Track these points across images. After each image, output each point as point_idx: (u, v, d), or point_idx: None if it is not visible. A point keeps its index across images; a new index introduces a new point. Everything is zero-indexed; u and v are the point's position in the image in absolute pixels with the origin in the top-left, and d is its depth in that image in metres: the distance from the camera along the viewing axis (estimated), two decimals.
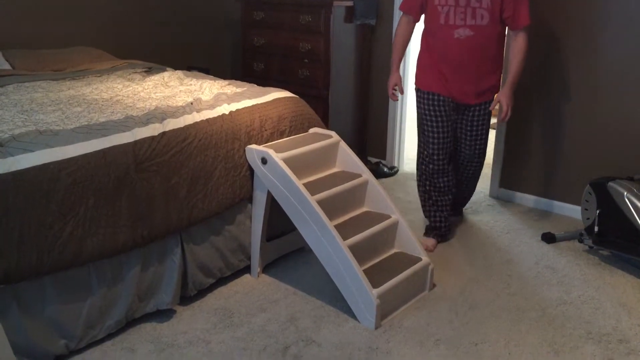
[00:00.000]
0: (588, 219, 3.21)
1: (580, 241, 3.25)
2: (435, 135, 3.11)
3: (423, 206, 3.34)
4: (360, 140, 4.53)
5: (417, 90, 3.13)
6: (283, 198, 2.71)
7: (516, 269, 3.06)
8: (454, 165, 3.29)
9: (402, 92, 3.26)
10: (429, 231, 3.33)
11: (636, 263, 3.04)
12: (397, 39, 3.13)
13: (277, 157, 2.69)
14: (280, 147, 2.81)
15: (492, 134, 3.56)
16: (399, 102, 4.37)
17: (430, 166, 3.17)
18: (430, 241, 3.27)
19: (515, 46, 2.98)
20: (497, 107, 3.11)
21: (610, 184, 3.08)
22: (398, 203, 3.76)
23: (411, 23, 3.10)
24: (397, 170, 4.45)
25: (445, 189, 3.23)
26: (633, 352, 2.42)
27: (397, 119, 4.41)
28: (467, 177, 3.39)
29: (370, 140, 4.58)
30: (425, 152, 3.18)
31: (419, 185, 3.32)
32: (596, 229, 3.12)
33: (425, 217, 3.35)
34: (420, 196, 3.33)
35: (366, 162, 4.05)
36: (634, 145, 3.39)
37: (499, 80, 3.11)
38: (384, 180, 4.25)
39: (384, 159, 4.52)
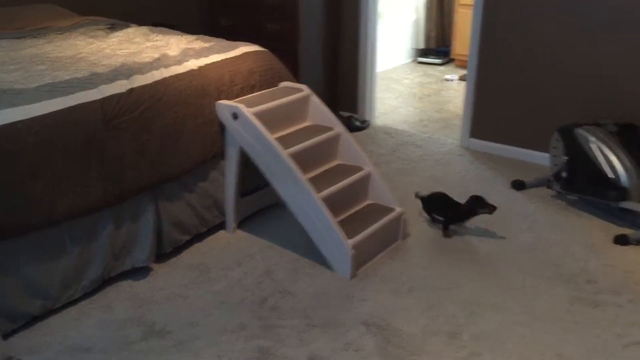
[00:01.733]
0: (556, 165, 3.28)
1: (549, 187, 3.32)
2: None
3: None
4: (332, 94, 4.50)
5: None
6: (255, 153, 2.70)
7: (487, 217, 3.10)
8: None
9: None
10: None
11: (602, 206, 3.13)
12: None
13: (248, 112, 2.67)
14: (251, 102, 2.78)
15: (461, 85, 3.55)
16: (369, 55, 4.34)
17: None
18: None
19: None
20: None
21: (577, 129, 3.13)
22: (370, 156, 3.78)
23: None
24: (369, 124, 4.46)
25: None
26: (600, 291, 2.51)
27: (367, 73, 4.39)
28: None
29: (342, 94, 4.55)
30: None
31: None
32: (564, 174, 3.19)
33: None
34: None
35: (338, 117, 4.02)
36: (600, 92, 3.44)
37: None
38: (356, 134, 4.25)
39: (356, 113, 4.51)
